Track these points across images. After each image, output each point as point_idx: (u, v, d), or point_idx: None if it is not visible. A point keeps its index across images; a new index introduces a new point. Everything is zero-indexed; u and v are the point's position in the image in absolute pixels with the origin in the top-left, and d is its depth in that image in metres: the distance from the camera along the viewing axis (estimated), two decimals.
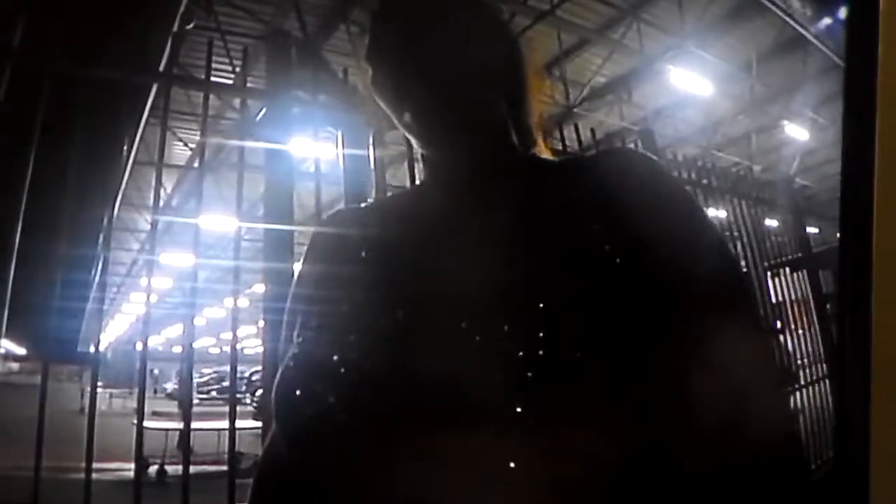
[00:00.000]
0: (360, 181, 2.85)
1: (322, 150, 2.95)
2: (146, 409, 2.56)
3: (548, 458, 0.72)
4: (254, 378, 17.00)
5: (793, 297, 5.35)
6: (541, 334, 0.76)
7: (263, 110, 2.96)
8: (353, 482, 0.78)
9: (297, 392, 0.83)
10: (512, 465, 0.72)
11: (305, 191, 2.96)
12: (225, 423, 2.72)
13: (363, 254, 0.96)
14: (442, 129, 0.95)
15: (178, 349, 30.75)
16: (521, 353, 0.76)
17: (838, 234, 0.61)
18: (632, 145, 4.39)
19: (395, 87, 0.95)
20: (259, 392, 12.44)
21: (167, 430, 10.06)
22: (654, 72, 12.81)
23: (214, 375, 26.00)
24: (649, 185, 0.92)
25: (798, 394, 4.80)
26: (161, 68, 3.42)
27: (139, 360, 3.01)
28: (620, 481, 0.74)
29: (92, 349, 2.86)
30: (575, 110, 13.06)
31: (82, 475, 2.23)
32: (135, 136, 3.92)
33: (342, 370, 0.82)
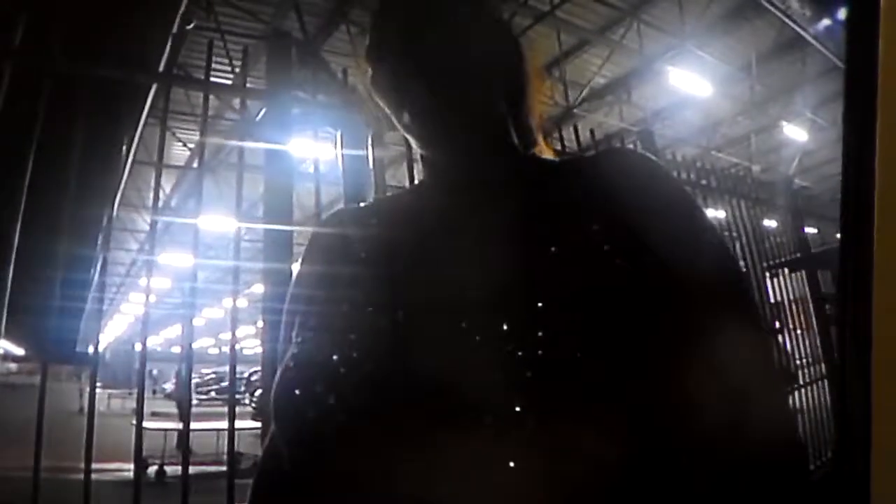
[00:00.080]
0: (359, 181, 2.85)
1: (321, 150, 2.95)
2: (145, 410, 2.55)
3: (547, 458, 0.72)
4: (253, 378, 16.99)
5: (791, 297, 5.35)
6: (540, 334, 0.76)
7: (263, 110, 2.97)
8: (352, 482, 0.77)
9: (297, 392, 0.83)
10: (511, 464, 0.72)
11: (305, 191, 2.96)
12: (224, 424, 2.72)
13: (362, 254, 0.96)
14: (441, 129, 0.95)
15: (177, 349, 30.76)
16: (520, 353, 0.76)
17: (839, 235, 0.61)
18: (631, 146, 4.39)
19: (395, 87, 0.95)
20: (258, 392, 12.44)
21: (166, 430, 10.05)
22: (654, 72, 12.83)
23: (213, 376, 25.98)
24: (649, 186, 0.92)
25: (797, 394, 4.80)
26: (161, 68, 3.41)
27: (138, 361, 3.01)
28: (620, 481, 0.74)
29: (91, 349, 2.85)
30: (574, 111, 13.08)
31: (81, 476, 2.23)
32: (134, 136, 3.90)
33: (342, 370, 0.82)
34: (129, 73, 2.70)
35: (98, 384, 2.59)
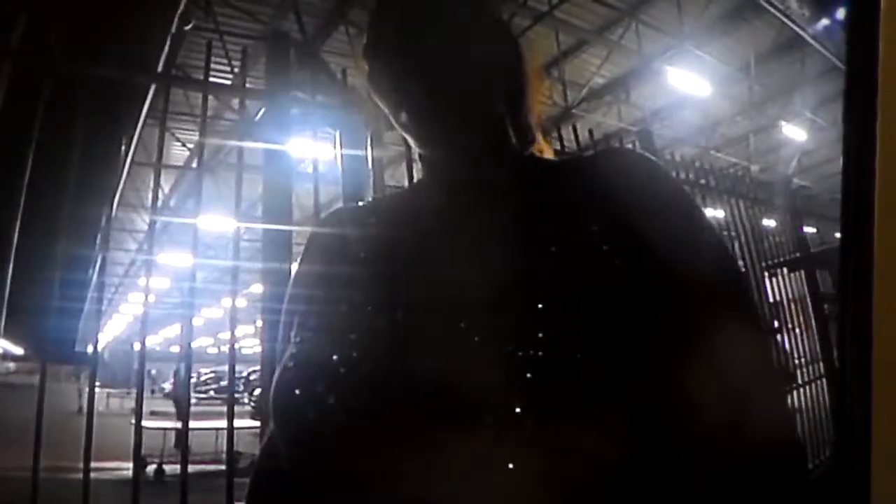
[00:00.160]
0: (358, 181, 2.85)
1: (320, 150, 2.95)
2: (144, 409, 2.55)
3: (547, 459, 0.72)
4: (252, 378, 17.00)
5: (790, 296, 5.35)
6: (540, 335, 0.76)
7: (262, 111, 2.97)
8: (351, 482, 0.77)
9: (296, 392, 0.83)
10: (511, 465, 0.72)
11: (304, 191, 2.96)
12: (223, 423, 2.71)
13: (361, 254, 0.96)
14: (440, 128, 0.94)
15: (176, 349, 30.76)
16: (520, 354, 0.76)
17: (839, 235, 0.61)
18: (630, 146, 4.39)
19: (393, 87, 0.94)
20: (257, 391, 12.44)
21: (165, 429, 10.05)
22: (653, 72, 12.84)
23: (212, 375, 25.98)
24: (648, 186, 0.92)
25: (796, 393, 4.81)
26: (160, 69, 3.41)
27: (137, 360, 3.01)
28: (620, 481, 0.74)
29: (90, 349, 2.86)
30: (573, 111, 13.09)
31: (80, 475, 2.23)
32: (133, 136, 3.90)
33: (341, 370, 0.81)
34: (129, 73, 2.70)
35: (97, 384, 2.59)
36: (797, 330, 5.23)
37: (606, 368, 0.76)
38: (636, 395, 0.77)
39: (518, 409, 0.73)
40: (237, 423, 2.63)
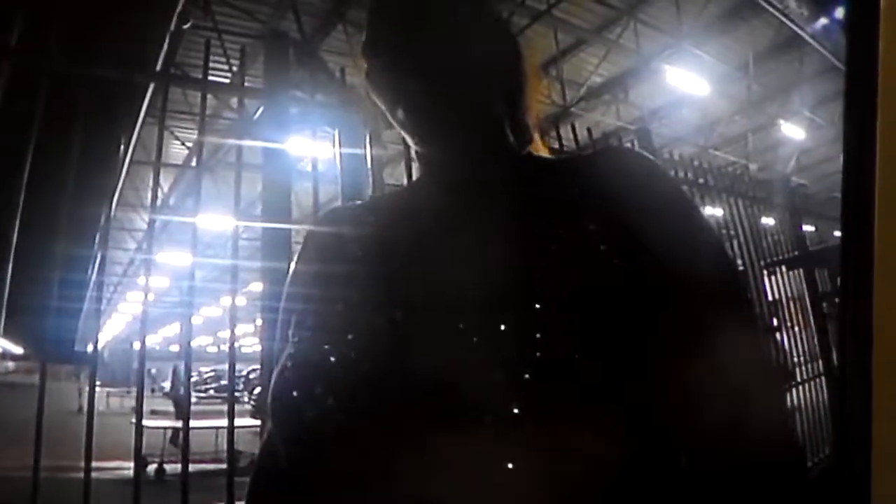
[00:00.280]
0: (357, 180, 2.85)
1: (319, 149, 2.95)
2: (144, 408, 2.55)
3: (544, 459, 0.72)
4: (252, 376, 17.00)
5: (789, 295, 5.35)
6: (537, 335, 0.76)
7: (261, 110, 2.97)
8: (349, 481, 0.77)
9: (294, 392, 0.83)
10: (509, 465, 0.72)
11: (303, 190, 2.96)
12: (223, 422, 2.71)
13: (358, 252, 0.96)
14: (437, 127, 0.94)
15: (175, 348, 30.75)
16: (517, 354, 0.76)
17: (839, 233, 0.61)
18: (629, 144, 4.39)
19: (391, 84, 0.94)
20: (257, 390, 12.43)
21: (165, 428, 10.05)
22: (651, 71, 12.84)
23: (212, 374, 25.98)
24: (646, 185, 0.92)
25: (794, 391, 4.81)
26: (158, 68, 3.41)
27: (137, 360, 3.01)
28: (618, 481, 0.74)
29: (89, 348, 2.85)
30: (572, 110, 13.08)
31: (81, 474, 2.23)
32: (132, 135, 3.91)
33: (339, 370, 0.81)
34: (127, 72, 2.70)
35: (97, 383, 2.59)
36: (796, 328, 5.23)
37: (604, 368, 0.76)
38: (634, 395, 0.77)
39: (515, 409, 0.73)
40: (237, 421, 2.63)
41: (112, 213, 2.81)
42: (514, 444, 0.72)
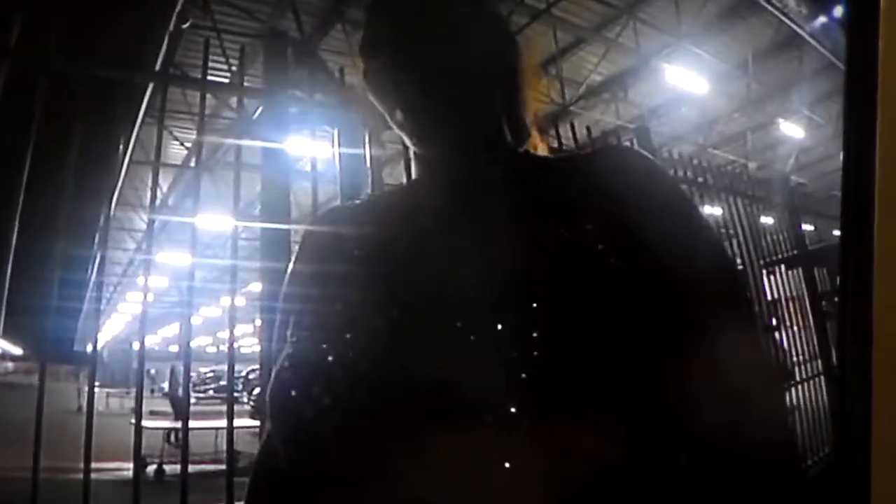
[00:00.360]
0: (356, 180, 2.85)
1: (318, 148, 2.95)
2: (144, 409, 2.55)
3: (545, 459, 0.72)
4: (251, 377, 16.98)
5: (788, 294, 5.36)
6: (535, 334, 0.76)
7: (260, 109, 2.96)
8: (348, 481, 0.77)
9: (292, 392, 0.83)
10: (507, 465, 0.72)
11: (302, 190, 2.96)
12: (222, 422, 2.71)
13: (356, 252, 0.95)
14: (435, 126, 0.93)
15: (175, 348, 30.75)
16: (515, 354, 0.76)
17: (839, 232, 0.61)
18: (628, 143, 4.39)
19: (389, 83, 0.93)
20: (256, 391, 12.43)
21: (165, 429, 10.05)
22: (650, 70, 12.84)
23: (212, 374, 25.98)
24: (645, 184, 0.92)
25: (794, 390, 4.81)
26: (157, 67, 3.41)
27: (136, 360, 3.01)
28: (618, 481, 0.74)
29: (89, 349, 2.86)
30: (571, 108, 13.08)
31: (80, 475, 2.23)
32: (131, 135, 3.90)
33: (338, 370, 0.81)
34: (126, 72, 2.70)
35: (96, 383, 2.58)
36: (795, 327, 5.24)
37: (603, 368, 0.76)
38: (634, 395, 0.77)
39: (513, 410, 0.73)
40: (237, 422, 2.63)
41: (111, 213, 2.81)
42: (514, 444, 0.72)
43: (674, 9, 11.28)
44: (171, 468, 8.12)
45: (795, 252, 5.59)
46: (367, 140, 2.85)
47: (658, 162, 1.04)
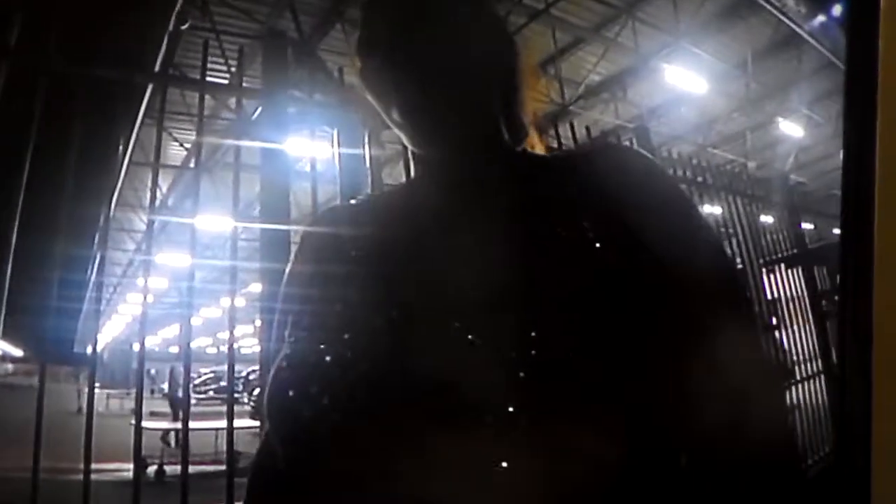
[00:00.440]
0: (356, 180, 2.85)
1: (318, 149, 2.95)
2: (144, 410, 2.55)
3: (544, 459, 0.72)
4: (251, 377, 16.97)
5: (788, 293, 5.36)
6: (535, 334, 0.76)
7: (259, 110, 2.96)
8: (348, 481, 0.77)
9: (290, 392, 0.83)
10: (504, 465, 0.72)
11: (301, 190, 2.96)
12: (222, 423, 2.72)
13: (354, 252, 0.95)
14: (433, 125, 0.93)
15: (175, 349, 30.71)
16: (513, 354, 0.76)
17: (839, 231, 0.61)
18: (627, 143, 4.39)
19: (386, 83, 0.93)
20: (256, 391, 12.42)
21: (165, 430, 10.05)
22: (650, 70, 12.83)
23: (212, 375, 25.96)
24: (644, 183, 0.92)
25: (794, 390, 4.81)
26: (157, 68, 3.41)
27: (136, 361, 3.01)
28: (618, 481, 0.74)
29: (89, 350, 2.86)
30: (570, 108, 13.08)
31: (81, 476, 2.23)
32: (131, 135, 3.90)
33: (337, 370, 0.81)
34: (126, 73, 2.70)
35: (96, 384, 2.58)
36: (795, 326, 5.24)
37: (602, 367, 0.76)
38: (633, 395, 0.77)
39: (511, 410, 0.73)
40: (237, 423, 2.63)
41: (111, 214, 2.81)
42: (514, 444, 0.72)
43: (672, 8, 11.28)
44: (172, 469, 8.12)
45: (795, 251, 5.59)
46: (366, 140, 2.85)
47: (657, 161, 1.04)
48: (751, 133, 16.18)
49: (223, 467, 2.59)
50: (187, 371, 2.69)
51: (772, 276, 5.33)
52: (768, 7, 9.98)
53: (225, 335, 3.08)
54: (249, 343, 20.72)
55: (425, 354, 0.79)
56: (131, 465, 2.50)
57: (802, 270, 5.45)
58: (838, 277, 0.62)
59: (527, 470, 0.72)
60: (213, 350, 37.94)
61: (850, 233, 0.60)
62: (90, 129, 2.41)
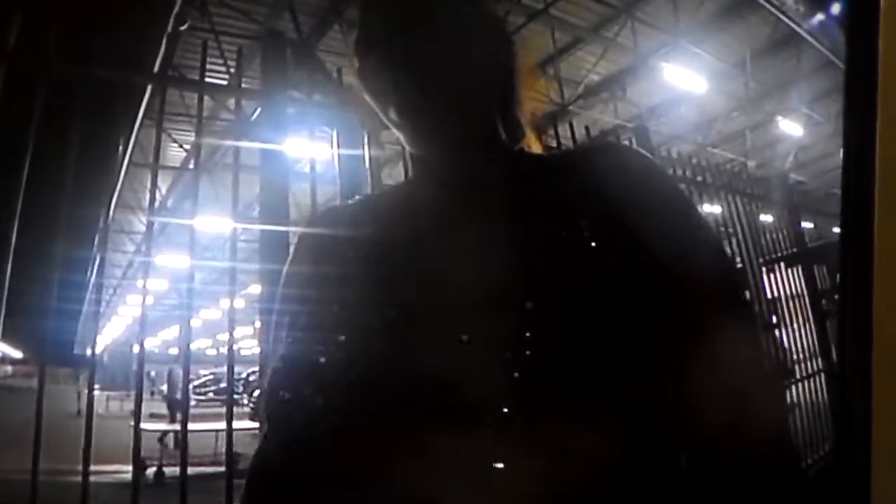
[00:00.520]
0: (355, 181, 2.85)
1: (317, 149, 2.95)
2: (143, 411, 2.55)
3: (544, 459, 0.72)
4: (251, 379, 16.97)
5: (788, 292, 5.35)
6: (532, 334, 0.76)
7: (258, 111, 2.96)
8: (346, 482, 0.77)
9: (288, 393, 0.83)
10: (504, 465, 0.72)
11: (301, 191, 2.96)
12: (222, 425, 2.71)
13: (352, 253, 0.95)
14: (431, 125, 0.93)
15: (174, 351, 30.72)
16: (508, 354, 0.76)
17: (839, 231, 0.61)
18: (627, 142, 4.39)
19: (383, 81, 0.93)
20: (256, 393, 12.42)
21: (165, 431, 10.05)
22: (649, 69, 12.83)
23: (211, 377, 25.96)
24: (643, 183, 0.92)
25: (794, 389, 4.81)
26: (156, 69, 3.41)
27: (136, 363, 3.01)
28: (617, 481, 0.74)
29: (88, 351, 2.85)
30: (570, 108, 13.08)
31: (80, 477, 2.23)
32: (130, 137, 3.90)
33: (333, 371, 0.81)
34: (125, 74, 2.70)
35: (96, 386, 2.58)
36: (795, 325, 5.23)
37: (600, 368, 0.76)
38: (633, 395, 0.77)
39: (506, 410, 0.73)
40: (236, 424, 2.63)
41: (111, 215, 2.81)
42: (513, 444, 0.72)
43: (672, 8, 11.28)
44: (171, 470, 8.12)
45: (795, 250, 5.59)
46: (365, 141, 2.85)
47: (656, 161, 1.04)
48: (750, 132, 16.17)
49: (222, 469, 2.59)
50: (186, 372, 2.69)
51: (772, 275, 5.33)
52: (767, 6, 9.98)
53: (224, 337, 3.08)
54: (249, 345, 20.72)
55: (425, 355, 0.79)
56: (130, 467, 2.50)
57: (802, 269, 5.45)
58: (838, 276, 0.62)
59: (526, 470, 0.72)
60: (212, 351, 37.93)
61: (850, 232, 0.60)
62: (90, 129, 2.41)
